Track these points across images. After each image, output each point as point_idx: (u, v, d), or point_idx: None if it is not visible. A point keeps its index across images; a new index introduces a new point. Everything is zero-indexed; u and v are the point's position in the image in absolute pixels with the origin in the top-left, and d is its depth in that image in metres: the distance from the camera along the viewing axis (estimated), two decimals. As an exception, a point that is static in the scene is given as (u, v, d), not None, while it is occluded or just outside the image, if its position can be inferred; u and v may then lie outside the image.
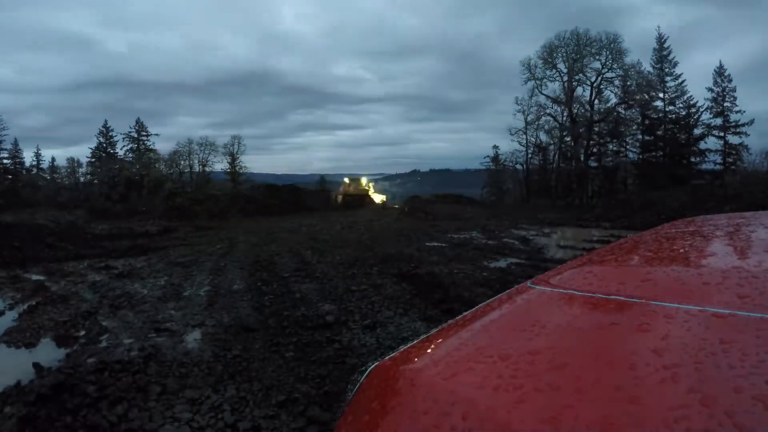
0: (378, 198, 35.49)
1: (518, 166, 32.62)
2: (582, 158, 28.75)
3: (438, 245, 10.35)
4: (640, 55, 27.45)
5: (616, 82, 27.71)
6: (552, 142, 30.79)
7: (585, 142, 28.53)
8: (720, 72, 24.63)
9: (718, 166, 25.17)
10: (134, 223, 18.46)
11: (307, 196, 29.69)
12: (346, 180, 36.78)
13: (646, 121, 27.08)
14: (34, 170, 35.19)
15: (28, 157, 34.90)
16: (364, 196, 33.52)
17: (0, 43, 79.72)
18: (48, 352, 3.98)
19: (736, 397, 0.32)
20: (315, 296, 5.59)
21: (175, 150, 34.84)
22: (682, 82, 25.91)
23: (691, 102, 25.67)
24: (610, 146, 29.01)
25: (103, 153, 34.41)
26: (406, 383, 0.45)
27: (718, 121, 24.82)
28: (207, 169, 35.30)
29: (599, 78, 27.92)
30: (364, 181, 36.58)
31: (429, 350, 0.52)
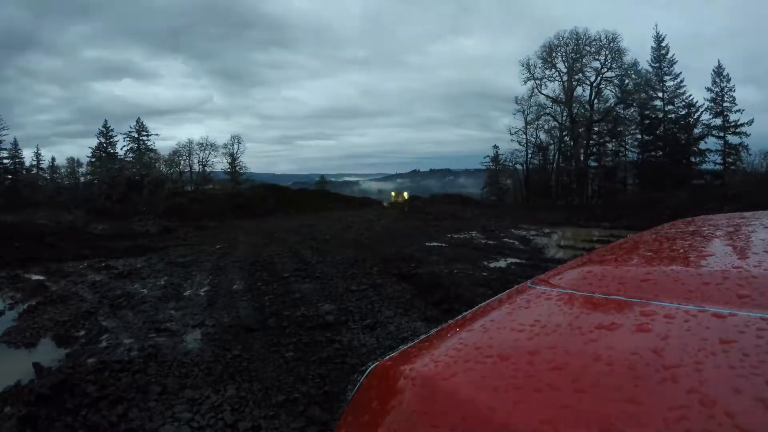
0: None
1: (518, 166, 32.69)
2: (582, 158, 28.78)
3: (438, 245, 10.34)
4: (637, 55, 27.35)
5: (616, 82, 27.78)
6: (552, 141, 30.87)
7: (585, 142, 28.57)
8: (719, 72, 24.65)
9: (718, 166, 25.19)
10: (134, 223, 18.45)
11: (306, 196, 29.68)
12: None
13: (646, 121, 27.11)
14: (34, 170, 35.23)
15: (28, 157, 34.97)
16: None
17: None
18: (48, 352, 3.98)
19: (736, 398, 0.32)
20: (315, 296, 5.59)
21: (175, 150, 34.91)
22: (681, 81, 25.95)
23: (690, 101, 25.71)
24: (610, 146, 29.09)
25: (103, 153, 34.44)
26: (406, 383, 0.45)
27: (718, 121, 24.86)
28: (207, 169, 35.34)
29: (598, 77, 27.98)
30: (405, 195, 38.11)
31: (429, 350, 0.52)
